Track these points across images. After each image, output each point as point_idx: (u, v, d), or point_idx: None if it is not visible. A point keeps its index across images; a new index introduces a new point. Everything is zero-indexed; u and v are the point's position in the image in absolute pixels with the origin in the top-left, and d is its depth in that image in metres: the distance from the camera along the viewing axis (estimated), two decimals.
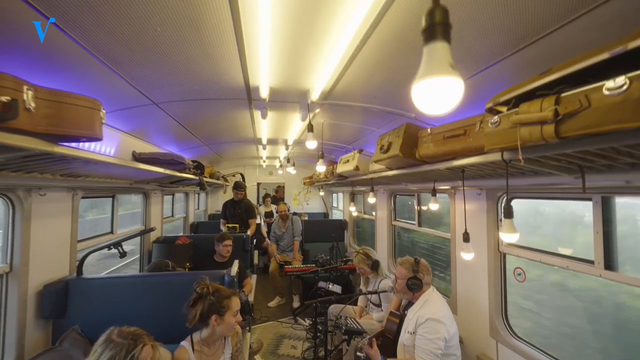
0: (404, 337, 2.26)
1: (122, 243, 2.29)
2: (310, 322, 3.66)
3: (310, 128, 2.41)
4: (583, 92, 0.98)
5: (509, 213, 1.52)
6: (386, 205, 4.55)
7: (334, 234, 4.83)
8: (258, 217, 5.36)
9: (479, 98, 1.81)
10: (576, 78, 1.03)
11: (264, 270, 6.28)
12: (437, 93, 0.72)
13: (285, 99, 2.39)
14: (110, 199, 3.11)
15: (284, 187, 8.38)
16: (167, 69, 1.81)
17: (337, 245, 4.52)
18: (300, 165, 6.87)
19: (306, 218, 6.54)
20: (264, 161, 6.86)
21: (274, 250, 5.46)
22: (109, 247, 2.22)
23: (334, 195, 8.19)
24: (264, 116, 2.61)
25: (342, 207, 7.31)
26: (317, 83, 2.07)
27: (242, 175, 7.39)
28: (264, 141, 4.19)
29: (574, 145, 1.13)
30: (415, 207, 3.81)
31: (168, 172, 2.79)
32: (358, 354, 2.22)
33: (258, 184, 8.25)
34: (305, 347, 3.63)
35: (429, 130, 2.07)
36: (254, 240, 5.23)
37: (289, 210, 5.73)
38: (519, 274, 2.25)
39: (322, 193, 7.81)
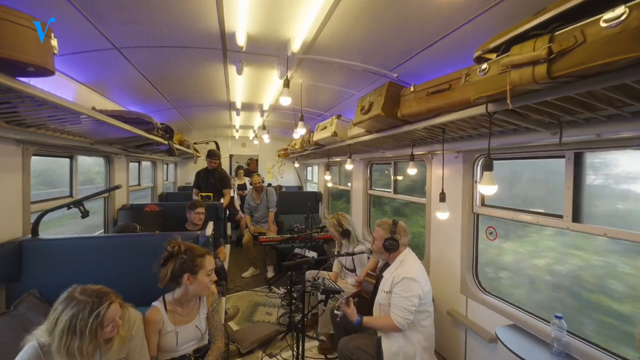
0: (380, 297, 2.32)
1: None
2: (285, 290, 3.67)
3: (286, 83, 2.29)
4: (579, 27, 0.96)
5: (489, 166, 1.54)
6: (362, 174, 4.57)
7: (309, 203, 4.82)
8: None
9: (465, 53, 1.77)
10: (572, 16, 1.01)
11: (237, 244, 6.18)
12: None
13: (263, 50, 2.23)
14: (68, 160, 2.84)
15: (256, 159, 8.16)
16: (132, 4, 1.61)
17: (312, 216, 4.52)
18: (275, 137, 6.68)
19: (283, 189, 6.47)
20: (237, 131, 6.60)
21: (248, 221, 5.37)
22: (68, 206, 2.03)
23: (309, 168, 8.13)
24: (239, 71, 2.44)
25: (316, 180, 7.28)
26: (298, 33, 1.94)
27: (216, 143, 7.11)
28: (238, 105, 3.97)
29: (563, 90, 1.14)
30: (392, 176, 3.85)
31: (135, 130, 2.55)
32: (335, 312, 2.25)
33: (230, 156, 7.98)
34: (280, 313, 3.66)
35: (412, 87, 2.03)
36: (227, 213, 5.09)
37: (263, 182, 5.61)
38: (491, 233, 2.35)
39: (297, 165, 7.70)
